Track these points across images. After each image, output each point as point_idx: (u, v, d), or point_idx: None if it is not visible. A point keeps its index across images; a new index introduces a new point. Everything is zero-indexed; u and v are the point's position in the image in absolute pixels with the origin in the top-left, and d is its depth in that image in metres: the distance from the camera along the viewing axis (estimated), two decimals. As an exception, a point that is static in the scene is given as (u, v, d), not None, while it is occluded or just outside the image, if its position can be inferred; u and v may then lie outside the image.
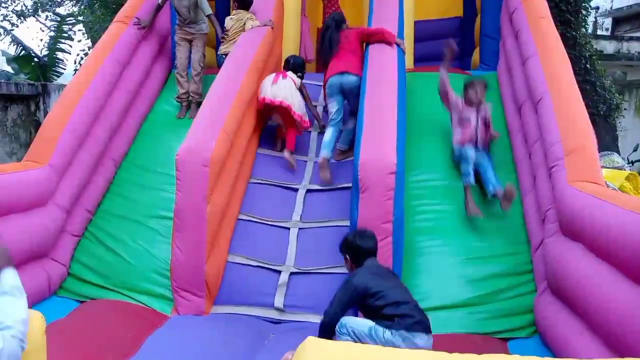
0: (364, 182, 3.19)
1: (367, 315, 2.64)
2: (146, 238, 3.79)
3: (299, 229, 3.83)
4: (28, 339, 1.67)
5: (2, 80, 7.27)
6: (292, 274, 3.52)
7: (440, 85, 4.25)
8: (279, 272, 3.54)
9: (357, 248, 2.85)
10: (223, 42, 5.03)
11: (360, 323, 2.61)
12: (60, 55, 10.58)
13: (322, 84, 4.52)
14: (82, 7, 11.97)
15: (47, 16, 14.46)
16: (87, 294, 3.58)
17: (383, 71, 3.99)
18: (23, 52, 10.25)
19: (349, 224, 3.52)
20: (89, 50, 10.82)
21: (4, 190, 3.22)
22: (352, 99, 4.25)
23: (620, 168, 6.32)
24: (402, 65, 4.27)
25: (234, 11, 5.09)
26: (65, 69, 10.88)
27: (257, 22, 4.83)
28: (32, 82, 8.25)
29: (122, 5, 5.11)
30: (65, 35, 10.83)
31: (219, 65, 4.91)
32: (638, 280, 2.27)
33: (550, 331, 2.96)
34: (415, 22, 5.72)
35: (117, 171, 4.38)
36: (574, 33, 8.57)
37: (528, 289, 3.38)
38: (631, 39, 15.98)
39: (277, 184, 4.19)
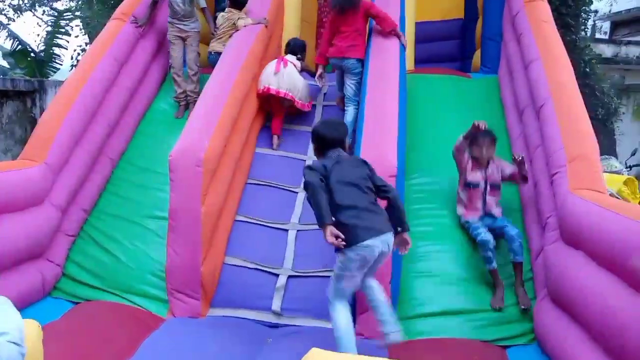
0: None
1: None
2: (143, 239, 3.74)
3: (298, 231, 3.79)
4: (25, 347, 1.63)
5: (-2, 76, 7.20)
6: (290, 277, 3.48)
7: (455, 149, 3.71)
8: (277, 275, 3.50)
9: (322, 137, 2.75)
10: (212, 39, 5.07)
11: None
12: (57, 50, 10.49)
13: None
14: (80, 2, 11.88)
15: (44, 11, 14.34)
16: (82, 295, 3.53)
17: (385, 73, 3.97)
18: (19, 46, 10.15)
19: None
20: (86, 46, 10.73)
21: (-1, 189, 3.16)
22: (348, 78, 4.45)
23: (618, 172, 6.32)
24: (403, 66, 4.24)
25: (227, 9, 5.06)
26: (62, 65, 10.79)
27: (249, 20, 4.79)
28: (28, 78, 8.17)
29: (120, 1, 5.06)
30: (63, 30, 10.73)
31: (210, 62, 4.90)
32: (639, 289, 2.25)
33: (550, 339, 2.94)
34: (417, 24, 5.69)
35: (114, 170, 4.33)
36: (574, 37, 8.59)
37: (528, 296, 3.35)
38: (630, 43, 16.01)
39: (276, 185, 4.15)
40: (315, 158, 2.99)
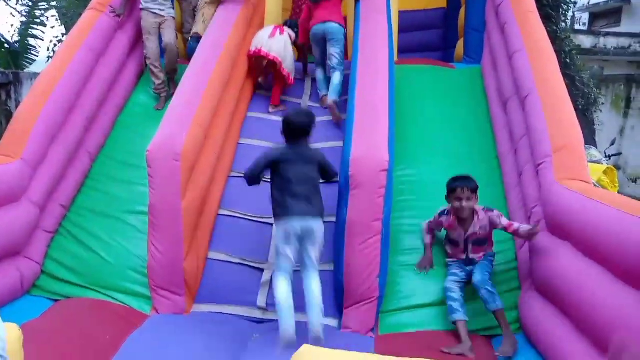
0: (355, 179, 3.11)
1: None
2: (124, 235, 3.66)
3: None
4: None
5: (-29, 68, 6.98)
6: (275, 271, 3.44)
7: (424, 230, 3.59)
8: (262, 270, 3.46)
9: (287, 125, 3.06)
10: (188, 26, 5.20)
11: None
12: (32, 41, 10.23)
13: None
14: (55, -9, 11.56)
15: (17, 0, 13.96)
16: (62, 292, 3.44)
17: (375, 65, 3.91)
18: (-8, 38, 9.88)
19: (334, 220, 3.46)
20: (62, 37, 10.46)
21: (-27, 185, 3.06)
22: (330, 47, 4.62)
23: (598, 162, 6.40)
24: (392, 58, 4.21)
25: None
26: (37, 56, 10.53)
27: None
28: (2, 70, 7.94)
29: (95, -10, 4.90)
30: (38, 21, 10.47)
31: (189, 51, 4.82)
32: (625, 279, 2.27)
33: (535, 329, 2.96)
34: (399, 12, 5.66)
35: (93, 165, 4.22)
36: (555, 28, 8.63)
37: (512, 286, 3.37)
38: (608, 34, 16.27)
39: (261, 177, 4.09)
40: None
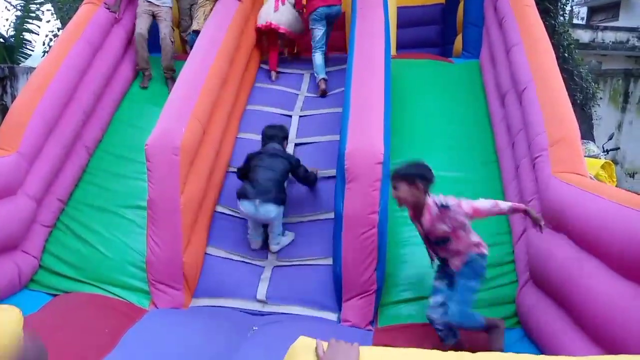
0: (350, 172, 3.12)
1: None
2: (122, 229, 3.66)
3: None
4: (4, 332, 1.57)
5: (-34, 62, 6.94)
6: (275, 267, 3.45)
7: None
8: (262, 267, 3.46)
9: (262, 132, 3.73)
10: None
11: None
12: (27, 36, 10.15)
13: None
14: (51, -15, 11.48)
15: (13, -6, 13.86)
16: (60, 287, 3.45)
17: (370, 59, 3.90)
18: (-13, 32, 9.80)
19: (333, 216, 3.46)
20: (58, 31, 10.40)
21: (-30, 179, 3.05)
22: (331, 27, 5.09)
23: (595, 156, 6.41)
24: (388, 52, 4.20)
25: None
26: (33, 51, 10.45)
27: None
28: (-2, 64, 7.91)
29: (92, -15, 4.88)
30: (33, 15, 10.39)
31: (191, 46, 4.82)
32: (621, 271, 2.27)
33: (532, 322, 2.97)
34: (398, 8, 5.65)
35: (90, 159, 4.22)
36: (553, 22, 8.62)
37: (510, 279, 3.38)
38: (606, 28, 16.25)
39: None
40: None
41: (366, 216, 3.09)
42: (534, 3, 4.46)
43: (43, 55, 9.74)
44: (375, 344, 2.75)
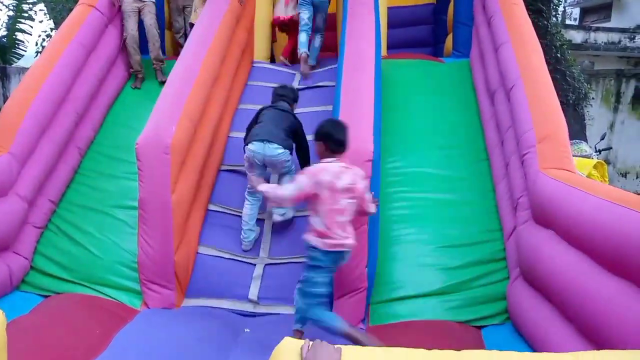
0: None
1: None
2: (113, 229, 3.66)
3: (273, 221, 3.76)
4: None
5: (-42, 63, 6.91)
6: (266, 265, 3.45)
7: None
8: (254, 264, 3.47)
9: (273, 91, 3.84)
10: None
11: None
12: (20, 36, 10.14)
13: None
14: (44, -15, 11.46)
15: (4, -6, 13.82)
16: (52, 288, 3.44)
17: (360, 59, 3.92)
18: (-21, 32, 9.79)
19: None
20: (51, 31, 10.38)
21: (-40, 180, 3.05)
22: (319, 13, 5.30)
23: (588, 156, 6.43)
24: (379, 52, 4.22)
25: None
26: (26, 51, 10.44)
27: None
28: (-10, 65, 7.88)
29: (85, -15, 4.89)
30: (26, 15, 10.37)
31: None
32: (610, 268, 2.29)
33: (523, 318, 2.99)
34: (389, 9, 5.68)
35: (82, 159, 4.21)
36: (545, 22, 8.66)
37: (501, 276, 3.40)
38: (598, 29, 16.34)
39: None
40: None
41: (356, 213, 3.09)
42: (522, 1, 4.49)
43: (36, 56, 9.72)
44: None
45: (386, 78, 4.65)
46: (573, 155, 5.44)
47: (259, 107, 4.65)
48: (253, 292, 3.36)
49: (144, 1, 4.92)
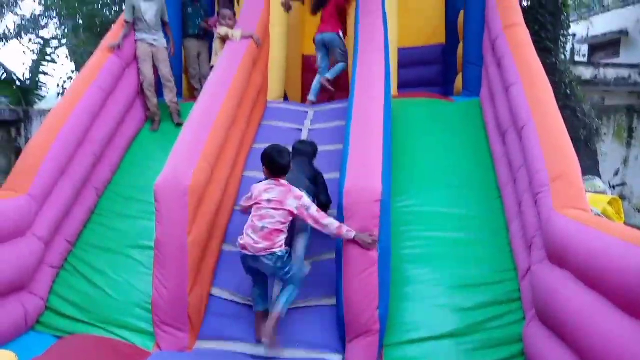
0: (348, 210, 3.14)
1: None
2: (128, 270, 3.69)
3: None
4: None
5: (-18, 106, 7.17)
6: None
7: None
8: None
9: (294, 148, 3.80)
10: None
11: None
12: (43, 78, 10.52)
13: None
14: (66, 30, 11.94)
15: (30, 39, 14.38)
16: (66, 328, 3.45)
17: (370, 98, 4.00)
18: (4, 75, 10.14)
19: (334, 256, 3.47)
20: (72, 73, 10.76)
21: (-19, 221, 3.12)
22: (332, 50, 5.76)
23: (602, 192, 6.38)
24: (389, 92, 4.30)
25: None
26: (47, 92, 10.80)
27: (238, 33, 4.93)
28: (13, 107, 8.14)
29: (107, 29, 5.15)
30: (49, 58, 10.77)
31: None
32: (627, 309, 2.25)
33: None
34: (399, 49, 5.81)
35: (99, 200, 4.29)
36: (554, 60, 8.77)
37: (516, 317, 3.34)
38: (607, 65, 16.46)
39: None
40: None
41: (366, 253, 3.09)
42: (531, 43, 4.58)
43: (57, 97, 10.05)
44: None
45: (396, 117, 4.72)
46: (587, 192, 5.44)
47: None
48: (266, 335, 3.32)
49: (156, 46, 5.11)
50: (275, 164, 3.17)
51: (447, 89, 6.33)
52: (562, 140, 3.49)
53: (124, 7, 5.14)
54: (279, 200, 3.10)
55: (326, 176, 4.24)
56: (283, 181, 3.18)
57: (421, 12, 6.48)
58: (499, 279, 3.56)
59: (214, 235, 3.68)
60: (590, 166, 8.56)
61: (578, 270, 2.65)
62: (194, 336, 3.34)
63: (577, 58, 18.42)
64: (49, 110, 4.79)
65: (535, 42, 4.71)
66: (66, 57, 12.07)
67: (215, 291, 3.56)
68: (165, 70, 5.16)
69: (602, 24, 17.66)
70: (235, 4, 6.33)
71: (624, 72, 16.23)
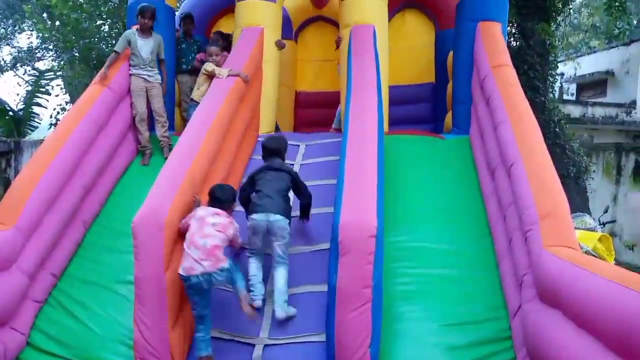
0: (343, 245, 3.12)
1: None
2: (113, 305, 3.62)
3: (275, 295, 3.70)
4: None
5: (-27, 137, 7.17)
6: (266, 346, 3.36)
7: None
8: (253, 345, 3.38)
9: (263, 147, 3.98)
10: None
11: None
12: (36, 109, 10.57)
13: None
14: (62, 62, 12.09)
15: (25, 71, 14.52)
16: (46, 365, 3.36)
17: (364, 134, 4.04)
18: (-2, 105, 10.20)
19: (326, 289, 3.43)
20: (66, 105, 10.82)
21: (-35, 253, 3.07)
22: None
23: (592, 229, 6.40)
24: (381, 129, 4.35)
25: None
26: (40, 123, 10.82)
27: (224, 72, 4.94)
28: (4, 138, 8.15)
29: (102, 60, 5.21)
30: (43, 90, 10.85)
31: (189, 115, 5.09)
32: (618, 350, 2.23)
33: (533, 402, 2.87)
34: (390, 87, 5.90)
35: (87, 233, 4.24)
36: (543, 98, 8.98)
37: (508, 357, 3.28)
38: (595, 104, 16.85)
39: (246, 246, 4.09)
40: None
41: (360, 290, 3.05)
42: (518, 82, 4.68)
43: (50, 128, 10.07)
44: None
45: (388, 153, 4.75)
46: (577, 229, 5.48)
47: None
48: (252, 372, 3.25)
49: (151, 82, 5.16)
50: (216, 199, 3.53)
51: (438, 126, 6.42)
52: (550, 178, 3.53)
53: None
54: (224, 226, 3.40)
55: (319, 210, 4.25)
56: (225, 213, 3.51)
57: (412, 52, 6.63)
58: (490, 317, 3.53)
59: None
60: (580, 203, 8.64)
61: (568, 310, 2.64)
62: (178, 374, 3.25)
63: (565, 97, 18.85)
64: (40, 141, 4.79)
65: (525, 82, 4.84)
66: (60, 88, 12.17)
67: (201, 328, 3.47)
68: (158, 105, 5.20)
69: (589, 65, 18.17)
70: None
71: (612, 111, 16.62)
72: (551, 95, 9.72)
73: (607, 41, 18.85)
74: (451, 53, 6.09)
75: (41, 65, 14.29)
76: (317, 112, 7.15)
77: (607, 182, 10.63)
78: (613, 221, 8.70)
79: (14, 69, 14.71)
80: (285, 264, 3.61)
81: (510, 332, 3.39)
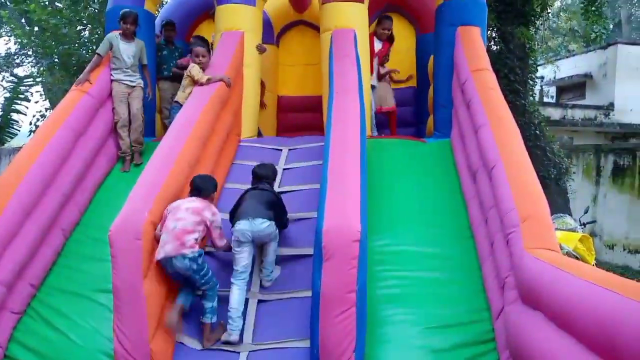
0: (327, 250, 3.11)
1: None
2: (94, 315, 3.56)
3: (259, 300, 3.68)
4: None
5: (-51, 144, 7.02)
6: (251, 352, 3.34)
7: None
8: (238, 352, 3.35)
9: (253, 172, 4.04)
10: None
11: None
12: (15, 116, 10.39)
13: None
14: (42, 68, 11.92)
15: (3, 77, 14.26)
16: (25, 378, 3.29)
17: (346, 138, 4.04)
18: (-25, 112, 10.02)
19: (310, 295, 3.41)
20: (46, 111, 10.66)
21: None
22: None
23: (572, 230, 6.49)
24: (364, 132, 4.36)
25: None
26: (19, 130, 10.65)
27: (205, 77, 4.90)
28: (-19, 146, 8.00)
29: (82, 66, 5.14)
30: (22, 96, 10.69)
31: (172, 117, 5.03)
32: (599, 351, 2.25)
33: (516, 404, 2.88)
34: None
35: (66, 242, 4.17)
36: (523, 101, 9.10)
37: (491, 358, 3.29)
38: (574, 106, 17.15)
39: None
40: None
41: (344, 295, 3.04)
42: (497, 86, 4.73)
43: (29, 135, 9.90)
44: None
45: (371, 157, 4.77)
46: (558, 229, 5.55)
47: (245, 185, 4.74)
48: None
49: (133, 86, 5.12)
50: (195, 187, 3.62)
51: (420, 130, 6.46)
52: (529, 180, 3.57)
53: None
54: (198, 208, 3.42)
55: (302, 215, 4.25)
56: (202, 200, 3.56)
57: (393, 56, 6.65)
58: (474, 319, 3.54)
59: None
60: (561, 204, 8.76)
61: (549, 312, 2.66)
62: (160, 385, 3.21)
63: (545, 99, 19.14)
64: (19, 149, 4.72)
65: (505, 85, 4.89)
66: (40, 94, 11.99)
67: (185, 339, 3.44)
68: (137, 107, 5.12)
69: (568, 68, 18.47)
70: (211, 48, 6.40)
71: (591, 113, 16.91)
72: (531, 98, 9.85)
73: (585, 45, 19.21)
74: (432, 58, 6.14)
75: (20, 71, 14.08)
76: (300, 117, 7.17)
77: (587, 183, 10.81)
78: (593, 221, 8.85)
79: (-7, 76, 14.45)
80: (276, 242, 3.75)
81: (493, 334, 3.41)
